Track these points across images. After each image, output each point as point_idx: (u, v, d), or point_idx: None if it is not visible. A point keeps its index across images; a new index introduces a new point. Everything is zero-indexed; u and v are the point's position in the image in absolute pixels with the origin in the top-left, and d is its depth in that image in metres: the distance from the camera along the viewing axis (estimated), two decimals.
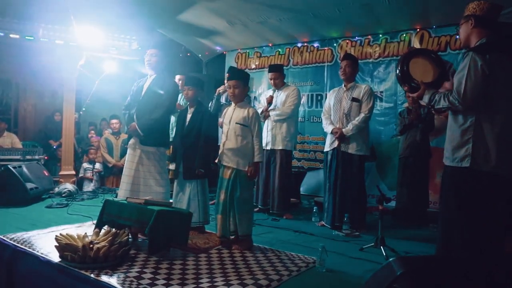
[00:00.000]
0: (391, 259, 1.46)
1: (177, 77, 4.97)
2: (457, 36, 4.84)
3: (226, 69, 6.70)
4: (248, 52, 6.75)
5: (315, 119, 5.99)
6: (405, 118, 4.47)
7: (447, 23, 4.91)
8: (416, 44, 5.16)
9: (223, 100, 5.02)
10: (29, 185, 4.55)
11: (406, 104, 4.84)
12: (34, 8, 5.06)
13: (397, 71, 2.68)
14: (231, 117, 3.14)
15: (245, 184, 3.06)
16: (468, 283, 1.46)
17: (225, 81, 5.01)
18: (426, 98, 2.48)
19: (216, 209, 3.13)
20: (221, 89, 5.04)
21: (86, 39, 5.52)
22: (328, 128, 4.01)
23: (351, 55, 4.23)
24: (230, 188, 3.03)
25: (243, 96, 3.23)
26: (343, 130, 3.83)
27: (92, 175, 6.20)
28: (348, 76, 3.96)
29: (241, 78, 3.16)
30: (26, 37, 5.46)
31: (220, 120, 4.74)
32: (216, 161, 3.19)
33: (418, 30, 5.17)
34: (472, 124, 2.27)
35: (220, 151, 3.14)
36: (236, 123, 3.08)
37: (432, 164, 4.47)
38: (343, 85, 4.06)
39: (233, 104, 3.22)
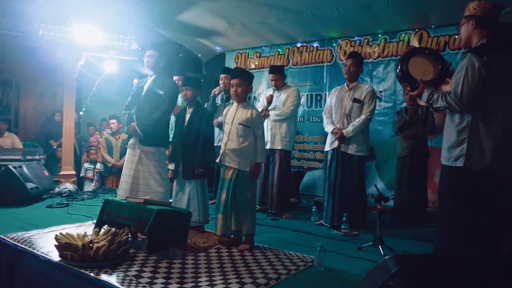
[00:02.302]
0: (386, 257, 1.47)
1: (174, 78, 4.98)
2: (456, 36, 4.85)
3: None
4: (248, 52, 6.76)
5: (315, 119, 6.00)
6: (403, 117, 4.48)
7: (446, 23, 4.91)
8: (415, 44, 5.16)
9: (218, 101, 5.03)
10: (30, 185, 4.57)
11: (405, 104, 4.85)
12: (34, 9, 5.07)
13: (397, 70, 2.70)
14: (233, 117, 3.11)
15: (247, 184, 3.06)
16: (463, 281, 1.48)
17: (220, 82, 5.03)
18: (424, 96, 2.49)
19: (217, 209, 3.13)
20: (216, 90, 5.06)
21: (86, 39, 5.54)
22: (328, 127, 4.01)
23: (356, 54, 4.17)
24: (232, 188, 3.03)
25: (246, 95, 3.19)
26: (344, 131, 3.83)
27: (93, 175, 6.22)
28: (352, 75, 3.94)
29: (244, 77, 3.13)
30: (26, 38, 5.47)
31: (217, 119, 4.76)
32: (218, 161, 3.19)
33: (417, 30, 5.18)
34: (468, 124, 2.29)
35: (221, 151, 3.12)
36: (239, 123, 3.06)
37: (431, 164, 4.47)
38: (345, 84, 4.04)
39: (235, 104, 3.18)
